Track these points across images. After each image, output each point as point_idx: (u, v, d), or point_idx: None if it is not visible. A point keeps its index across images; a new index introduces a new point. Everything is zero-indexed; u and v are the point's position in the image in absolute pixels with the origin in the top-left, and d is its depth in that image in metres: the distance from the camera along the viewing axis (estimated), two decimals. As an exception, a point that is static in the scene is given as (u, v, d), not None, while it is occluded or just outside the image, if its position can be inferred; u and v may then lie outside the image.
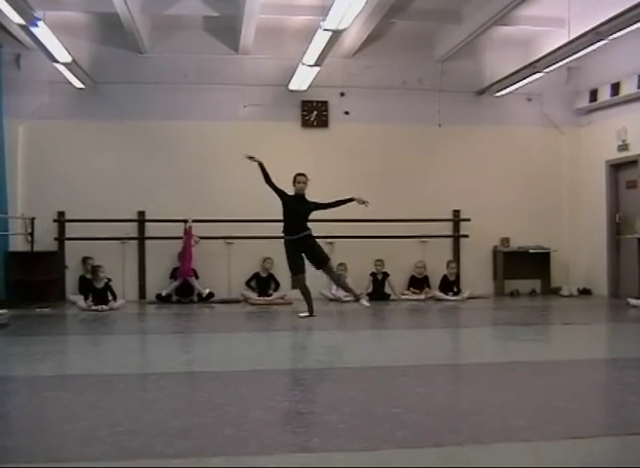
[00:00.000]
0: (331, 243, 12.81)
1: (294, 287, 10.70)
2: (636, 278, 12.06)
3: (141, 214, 12.82)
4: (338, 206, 10.06)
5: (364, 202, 10.03)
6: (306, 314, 10.08)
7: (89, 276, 12.02)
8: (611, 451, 3.99)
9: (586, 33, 9.97)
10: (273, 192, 9.99)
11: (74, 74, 11.59)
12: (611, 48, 11.06)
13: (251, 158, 9.82)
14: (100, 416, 4.58)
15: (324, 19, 9.22)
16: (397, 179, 13.31)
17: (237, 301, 12.50)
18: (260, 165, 9.84)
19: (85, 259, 12.40)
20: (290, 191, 10.02)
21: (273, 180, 9.90)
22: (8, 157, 12.21)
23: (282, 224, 10.04)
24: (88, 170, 12.66)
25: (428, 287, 13.12)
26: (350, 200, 10.04)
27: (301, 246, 9.88)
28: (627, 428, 4.38)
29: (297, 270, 10.02)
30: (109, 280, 11.59)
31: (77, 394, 5.31)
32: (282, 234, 10.05)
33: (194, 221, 12.47)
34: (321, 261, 10.05)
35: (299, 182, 9.92)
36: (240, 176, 12.86)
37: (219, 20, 12.18)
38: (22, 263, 11.93)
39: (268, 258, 12.74)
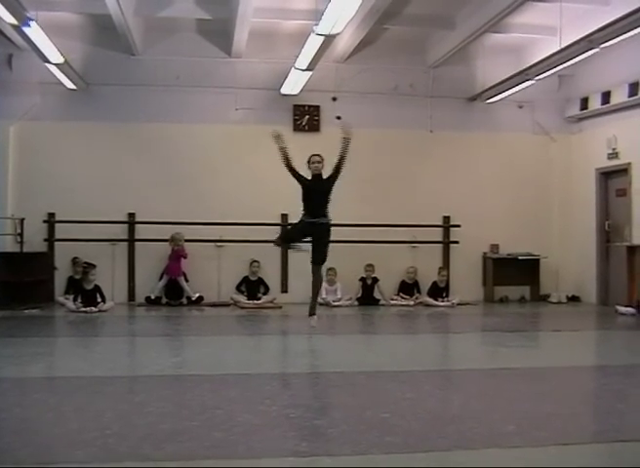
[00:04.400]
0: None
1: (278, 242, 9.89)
2: (625, 285, 12.10)
3: (132, 215, 12.79)
4: (343, 157, 9.11)
5: (345, 129, 9.17)
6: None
7: (78, 276, 12.00)
8: (599, 458, 4.01)
9: (578, 41, 10.02)
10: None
11: (66, 75, 11.56)
12: (602, 56, 11.10)
13: (277, 137, 9.11)
14: (88, 419, 4.57)
15: (317, 24, 9.23)
16: (388, 185, 13.33)
17: (227, 305, 12.47)
18: (282, 149, 9.10)
19: (74, 260, 12.37)
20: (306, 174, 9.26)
21: (293, 164, 9.06)
22: (-2, 157, 12.20)
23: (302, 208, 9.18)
24: (79, 171, 12.62)
25: (418, 292, 13.14)
26: (344, 141, 9.11)
27: (315, 231, 9.02)
28: (615, 435, 4.40)
29: (287, 239, 9.55)
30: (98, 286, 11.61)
31: (66, 396, 5.30)
32: (302, 216, 9.12)
33: (183, 224, 12.49)
34: (322, 257, 9.12)
35: (313, 163, 9.12)
36: (231, 180, 12.91)
37: (212, 24, 12.18)
38: (11, 264, 11.87)
39: (255, 261, 12.74)
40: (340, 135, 9.11)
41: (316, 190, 9.09)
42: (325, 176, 9.16)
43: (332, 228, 9.23)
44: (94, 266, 11.80)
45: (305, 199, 9.13)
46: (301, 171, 9.11)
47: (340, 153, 9.12)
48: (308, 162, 9.21)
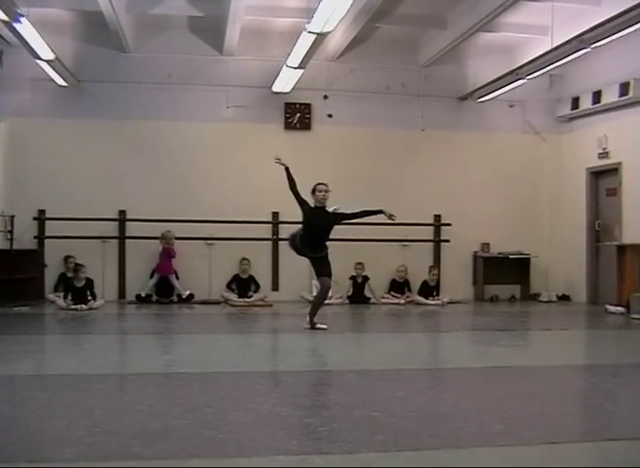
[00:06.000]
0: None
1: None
2: (615, 285, 12.14)
3: (122, 213, 12.76)
4: (365, 216, 9.22)
5: (392, 216, 9.12)
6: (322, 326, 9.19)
7: (70, 274, 11.96)
8: (587, 457, 4.02)
9: (569, 41, 10.06)
10: (293, 199, 8.97)
11: (57, 72, 11.52)
12: (593, 56, 11.15)
13: (278, 160, 9.00)
14: (78, 417, 4.55)
15: (309, 22, 9.24)
16: (379, 183, 13.32)
17: (217, 303, 12.46)
18: (287, 169, 8.94)
19: (67, 258, 12.32)
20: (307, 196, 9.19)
21: (298, 189, 8.94)
22: (-11, 154, 12.15)
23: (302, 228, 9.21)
24: (69, 168, 12.59)
25: (409, 291, 13.15)
26: (379, 212, 9.07)
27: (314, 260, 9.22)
28: (604, 434, 4.41)
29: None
30: (91, 281, 11.58)
31: (55, 394, 5.28)
32: (298, 238, 9.09)
33: (174, 221, 12.47)
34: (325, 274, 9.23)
35: (320, 191, 8.93)
36: (222, 177, 12.92)
37: (203, 21, 12.16)
38: (1, 261, 11.81)
39: (245, 259, 12.74)
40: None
41: (318, 224, 8.97)
42: (330, 210, 9.06)
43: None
44: (82, 266, 11.73)
45: (306, 229, 9.04)
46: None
47: (358, 215, 9.13)
48: (314, 191, 9.02)
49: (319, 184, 9.00)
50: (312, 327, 9.07)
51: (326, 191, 8.96)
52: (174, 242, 12.39)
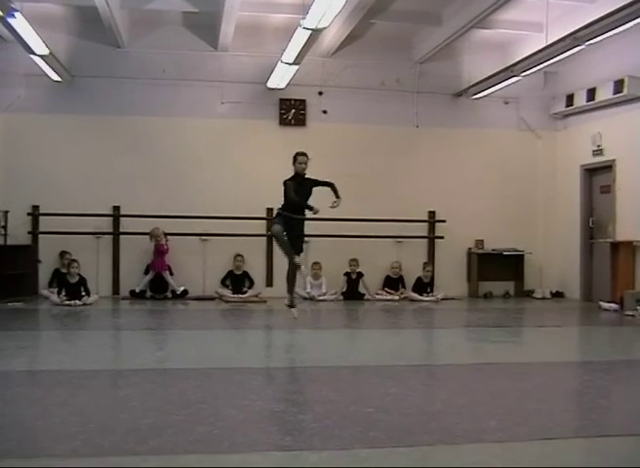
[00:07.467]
0: (306, 241, 12.78)
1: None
2: (608, 282, 12.18)
3: (117, 208, 12.73)
4: (332, 189, 9.46)
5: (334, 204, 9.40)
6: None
7: (64, 270, 11.93)
8: (581, 453, 4.03)
9: (564, 38, 10.06)
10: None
11: (51, 67, 11.49)
12: (587, 53, 11.15)
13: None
14: (71, 413, 4.55)
15: (304, 18, 9.23)
16: (374, 180, 13.34)
17: (211, 299, 12.46)
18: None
19: (62, 254, 12.29)
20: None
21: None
22: (-18, 149, 12.10)
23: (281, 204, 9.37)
24: (64, 163, 12.56)
25: (403, 287, 13.16)
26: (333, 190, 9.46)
27: (293, 226, 9.30)
28: (597, 430, 4.43)
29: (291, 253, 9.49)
30: (84, 278, 11.57)
31: (49, 390, 5.27)
32: (279, 211, 9.29)
33: (168, 217, 12.46)
34: (298, 250, 9.55)
35: (300, 163, 9.18)
36: (216, 173, 12.89)
37: (198, 17, 12.14)
38: (-5, 257, 11.81)
39: (239, 255, 12.73)
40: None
41: (297, 190, 9.15)
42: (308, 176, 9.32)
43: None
44: (75, 261, 11.70)
45: (286, 197, 9.21)
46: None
47: (328, 184, 9.42)
48: (294, 160, 9.25)
49: (300, 155, 9.24)
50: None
51: (305, 163, 9.24)
52: (162, 238, 12.35)
